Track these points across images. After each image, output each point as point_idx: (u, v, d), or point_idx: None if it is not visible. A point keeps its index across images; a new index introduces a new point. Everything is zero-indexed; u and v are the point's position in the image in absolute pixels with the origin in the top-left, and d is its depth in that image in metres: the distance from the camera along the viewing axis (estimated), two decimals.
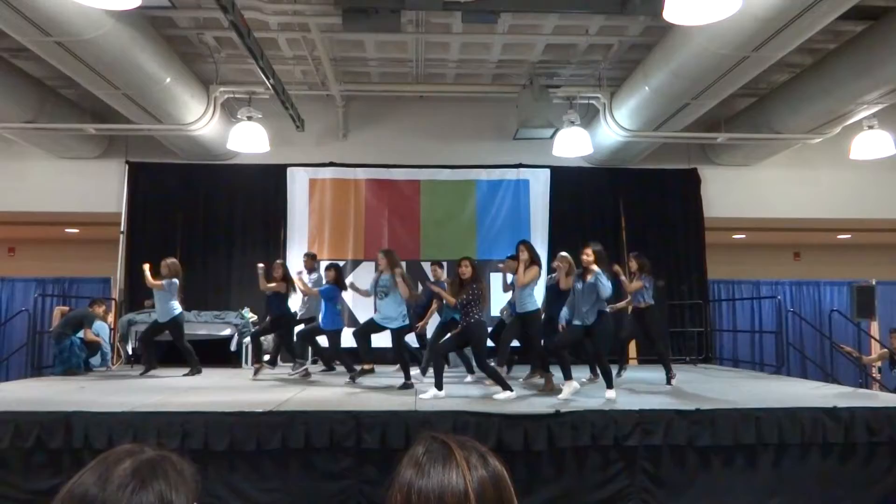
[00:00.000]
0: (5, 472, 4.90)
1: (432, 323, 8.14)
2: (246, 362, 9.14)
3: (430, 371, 6.87)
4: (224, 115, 9.24)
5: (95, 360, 8.86)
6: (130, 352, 9.23)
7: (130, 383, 7.33)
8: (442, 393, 6.13)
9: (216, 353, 9.01)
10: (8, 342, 11.80)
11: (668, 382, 7.07)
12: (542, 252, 10.35)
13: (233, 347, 9.16)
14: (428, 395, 6.09)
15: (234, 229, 10.29)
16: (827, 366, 10.26)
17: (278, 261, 8.23)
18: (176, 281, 8.03)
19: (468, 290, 6.35)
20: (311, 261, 8.27)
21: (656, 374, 8.60)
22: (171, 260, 8.20)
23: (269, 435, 4.96)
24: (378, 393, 6.56)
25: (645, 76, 7.84)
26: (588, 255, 6.19)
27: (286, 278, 7.96)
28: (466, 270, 6.50)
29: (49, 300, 11.63)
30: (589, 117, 9.38)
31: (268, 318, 8.03)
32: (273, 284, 7.87)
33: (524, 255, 6.69)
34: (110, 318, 9.48)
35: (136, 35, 6.78)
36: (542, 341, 7.00)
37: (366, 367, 7.94)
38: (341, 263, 10.04)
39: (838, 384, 7.93)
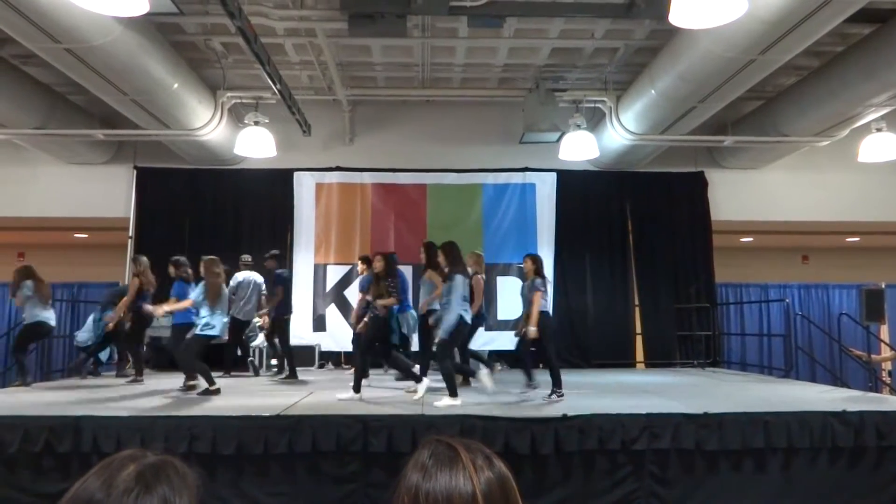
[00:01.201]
0: (14, 475, 4.93)
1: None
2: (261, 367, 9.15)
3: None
4: (231, 121, 9.29)
5: (104, 354, 8.80)
6: None
7: (138, 388, 7.36)
8: (357, 396, 6.17)
9: (222, 358, 9.02)
10: None
11: (551, 395, 6.31)
12: (549, 256, 10.37)
13: (239, 352, 9.18)
14: (345, 396, 6.17)
15: (241, 234, 10.32)
16: (836, 369, 10.21)
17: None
18: (27, 283, 7.59)
19: (383, 285, 6.44)
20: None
21: (661, 377, 8.59)
22: (19, 266, 7.93)
23: (277, 439, 4.97)
24: (385, 398, 6.56)
25: (651, 79, 7.84)
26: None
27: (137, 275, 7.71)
28: (379, 265, 6.57)
29: (57, 305, 11.67)
30: (595, 121, 9.37)
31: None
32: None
33: (422, 258, 6.82)
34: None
35: (143, 41, 6.82)
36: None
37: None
38: (347, 268, 10.12)
39: (848, 388, 7.89)
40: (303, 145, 9.95)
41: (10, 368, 9.43)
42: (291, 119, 8.72)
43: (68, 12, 5.76)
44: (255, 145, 8.59)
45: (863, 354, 9.32)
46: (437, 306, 6.77)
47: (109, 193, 10.31)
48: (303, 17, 7.35)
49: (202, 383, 6.65)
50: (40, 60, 7.18)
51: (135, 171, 10.34)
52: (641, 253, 10.67)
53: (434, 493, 0.99)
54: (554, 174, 10.42)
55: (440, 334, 6.09)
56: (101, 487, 0.95)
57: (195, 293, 6.90)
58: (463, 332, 6.25)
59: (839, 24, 6.07)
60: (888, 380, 9.95)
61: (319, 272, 10.14)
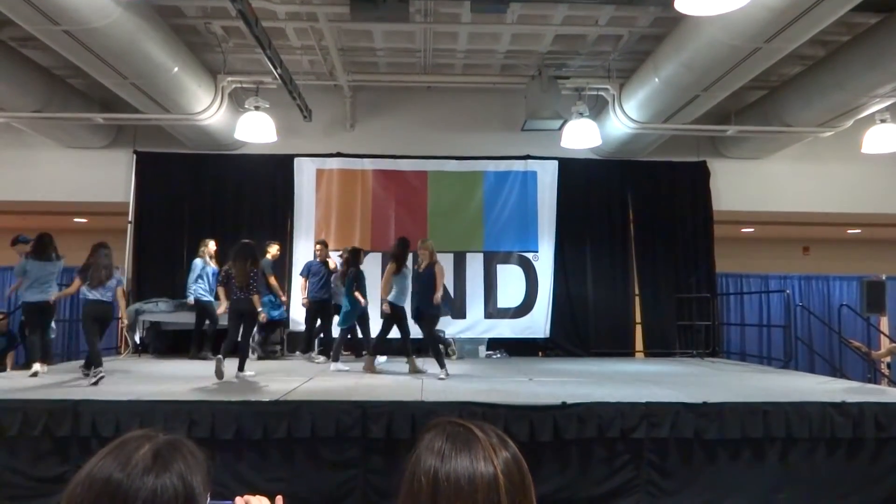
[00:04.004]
0: (13, 459, 4.94)
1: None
2: (252, 353, 9.15)
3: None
4: (232, 105, 9.24)
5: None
6: (138, 341, 9.27)
7: (137, 371, 7.36)
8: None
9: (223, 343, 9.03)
10: None
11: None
12: (550, 244, 10.36)
13: (239, 337, 9.17)
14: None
15: (241, 219, 10.28)
16: (835, 360, 10.22)
17: None
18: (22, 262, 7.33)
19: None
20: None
21: (660, 366, 8.59)
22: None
23: (276, 424, 4.97)
24: (384, 383, 6.56)
25: (655, 67, 7.78)
26: None
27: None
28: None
29: (58, 290, 11.65)
30: (598, 109, 9.33)
31: None
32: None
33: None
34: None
35: (143, 24, 6.76)
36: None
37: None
38: None
39: (847, 379, 7.89)
40: (303, 131, 9.90)
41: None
42: (292, 104, 8.67)
43: None
44: (256, 130, 8.54)
45: (862, 346, 9.32)
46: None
47: (109, 178, 10.27)
48: (304, 1, 7.28)
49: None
50: (39, 43, 7.13)
51: (134, 156, 10.29)
52: (642, 242, 10.64)
53: (456, 474, 0.97)
54: (555, 162, 10.37)
55: None
56: (119, 467, 0.96)
57: None
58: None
59: (845, 12, 6.01)
60: (887, 371, 9.97)
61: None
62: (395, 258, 7.57)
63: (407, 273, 7.66)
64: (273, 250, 9.13)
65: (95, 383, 6.01)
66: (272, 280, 8.85)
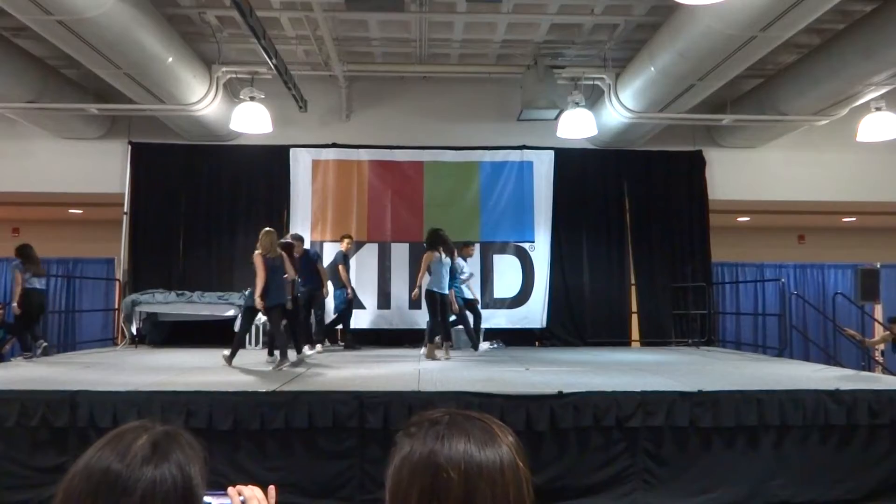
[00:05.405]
0: (11, 450, 4.95)
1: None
2: (250, 343, 9.17)
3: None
4: (226, 96, 9.20)
5: None
6: (135, 332, 9.28)
7: (135, 363, 7.37)
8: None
9: (220, 334, 9.04)
10: None
11: None
12: (546, 234, 10.37)
13: (236, 328, 9.18)
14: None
15: (237, 210, 10.27)
16: (830, 348, 10.28)
17: None
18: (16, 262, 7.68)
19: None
20: None
21: (656, 356, 8.63)
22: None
23: (273, 414, 4.99)
24: (381, 374, 6.58)
25: (650, 57, 7.77)
26: None
27: None
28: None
29: (53, 281, 11.65)
30: (594, 98, 9.31)
31: None
32: None
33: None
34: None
35: (137, 13, 6.72)
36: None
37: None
38: None
39: (841, 367, 7.94)
40: (299, 121, 9.87)
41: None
42: (287, 95, 8.64)
43: None
44: (251, 121, 8.51)
45: (856, 334, 9.38)
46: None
47: (104, 169, 10.23)
48: None
49: None
50: (32, 33, 7.09)
51: (129, 147, 10.25)
52: (638, 232, 10.66)
53: (488, 464, 0.98)
54: (552, 152, 10.36)
55: None
56: (118, 457, 0.96)
57: None
58: None
59: (841, 0, 6.01)
60: (881, 359, 10.03)
61: (315, 249, 10.10)
62: (430, 246, 7.83)
63: (440, 259, 7.85)
64: (345, 243, 9.16)
65: (43, 352, 7.38)
66: (342, 272, 8.96)
